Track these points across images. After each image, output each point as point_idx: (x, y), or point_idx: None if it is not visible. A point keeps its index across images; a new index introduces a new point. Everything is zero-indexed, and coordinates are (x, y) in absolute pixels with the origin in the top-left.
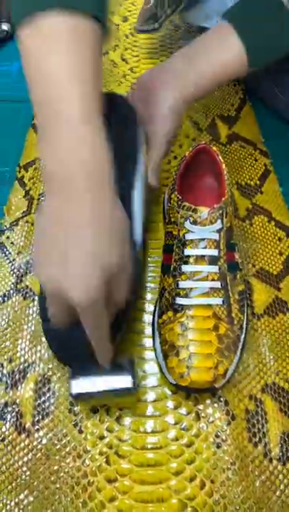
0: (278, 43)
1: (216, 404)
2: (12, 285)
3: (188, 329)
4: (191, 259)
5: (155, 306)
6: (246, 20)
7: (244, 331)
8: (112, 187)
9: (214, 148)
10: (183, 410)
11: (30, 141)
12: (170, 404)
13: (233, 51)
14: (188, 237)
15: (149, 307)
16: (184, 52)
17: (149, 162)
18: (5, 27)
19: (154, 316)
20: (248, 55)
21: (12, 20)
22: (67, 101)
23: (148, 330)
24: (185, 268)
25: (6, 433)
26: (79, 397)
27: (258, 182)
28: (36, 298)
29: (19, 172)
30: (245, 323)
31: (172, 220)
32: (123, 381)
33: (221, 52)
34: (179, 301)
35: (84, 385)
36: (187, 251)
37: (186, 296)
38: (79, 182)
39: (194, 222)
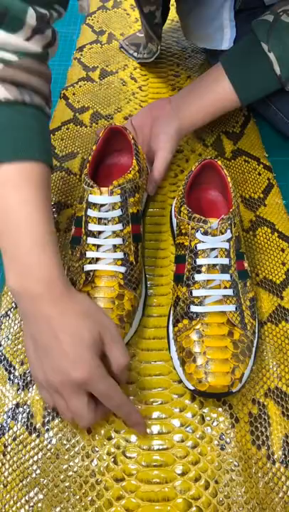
0: (264, 83)
1: (220, 408)
2: None
3: (204, 336)
4: (204, 268)
5: (169, 315)
6: (235, 62)
7: (256, 335)
8: (66, 289)
9: (219, 162)
10: (188, 414)
11: None
12: (176, 407)
13: (223, 90)
14: (200, 247)
15: (152, 313)
16: (181, 93)
17: (152, 174)
18: None
19: (168, 325)
20: (237, 92)
21: None
22: (22, 230)
23: (155, 335)
24: (198, 277)
25: (18, 432)
26: None
27: (261, 195)
28: None
29: None
30: (257, 328)
31: (183, 231)
32: None
33: (212, 91)
34: (194, 309)
35: None
36: (199, 260)
37: (201, 304)
38: (39, 301)
39: (205, 233)
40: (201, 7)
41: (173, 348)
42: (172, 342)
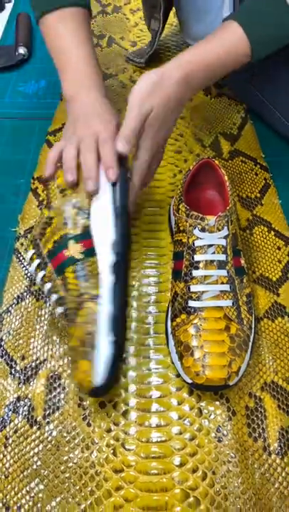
0: (278, 32)
1: (217, 402)
2: (25, 288)
3: (202, 330)
4: (201, 265)
5: (167, 311)
6: (247, 12)
7: (253, 331)
8: (102, 92)
9: (216, 161)
10: (186, 406)
11: (44, 156)
12: (174, 400)
13: (235, 36)
14: (198, 243)
15: (151, 309)
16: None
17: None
18: (22, 51)
19: (166, 320)
20: (250, 40)
21: (34, 18)
22: (69, 52)
23: (152, 330)
24: (196, 273)
25: (19, 425)
26: None
27: (258, 195)
28: (48, 300)
29: (33, 184)
30: (253, 323)
31: (181, 228)
32: None
33: (224, 38)
34: (192, 304)
35: None
36: (197, 257)
37: (198, 299)
38: (81, 94)
39: (203, 230)
40: (200, 9)
41: (171, 342)
42: (170, 337)
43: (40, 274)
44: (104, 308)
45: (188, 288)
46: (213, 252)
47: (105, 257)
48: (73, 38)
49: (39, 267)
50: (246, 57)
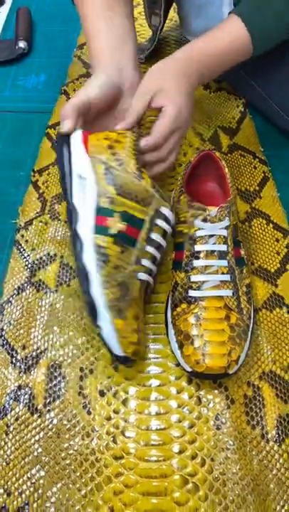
0: (278, 23)
1: (216, 390)
2: (26, 279)
3: (202, 319)
4: (202, 255)
5: (167, 300)
6: (248, 6)
7: (252, 320)
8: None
9: (217, 153)
10: (185, 395)
11: (44, 149)
12: (173, 389)
13: (235, 28)
14: (199, 234)
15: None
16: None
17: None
18: (22, 45)
19: (166, 310)
20: (250, 32)
21: None
22: (92, 41)
23: (153, 320)
24: (196, 263)
25: (20, 413)
26: None
27: (257, 188)
28: (48, 291)
29: (33, 176)
30: (252, 313)
31: (182, 219)
32: None
33: (224, 30)
34: (192, 293)
35: None
36: (198, 247)
37: (199, 288)
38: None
39: (204, 220)
40: (201, 5)
41: (171, 331)
42: (170, 326)
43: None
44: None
45: (189, 278)
46: (214, 243)
47: None
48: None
49: None
50: (248, 50)
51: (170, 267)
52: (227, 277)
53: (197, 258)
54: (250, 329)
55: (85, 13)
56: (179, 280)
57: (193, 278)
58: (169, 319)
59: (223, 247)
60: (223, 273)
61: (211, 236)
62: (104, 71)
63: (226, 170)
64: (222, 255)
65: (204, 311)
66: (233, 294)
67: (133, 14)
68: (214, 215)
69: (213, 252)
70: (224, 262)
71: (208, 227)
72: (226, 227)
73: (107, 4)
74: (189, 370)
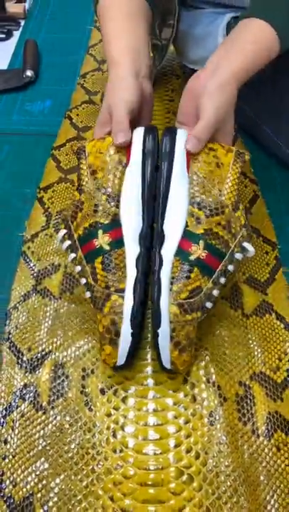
0: None
1: (210, 389)
2: (32, 287)
3: None
4: None
5: None
6: (262, 5)
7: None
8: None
9: None
10: (181, 394)
11: (49, 168)
12: (169, 388)
13: (260, 29)
14: None
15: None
16: (219, 48)
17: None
18: (29, 73)
19: None
20: (276, 30)
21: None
22: (113, 43)
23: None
24: None
25: (25, 410)
26: None
27: (247, 205)
28: (52, 298)
29: (39, 193)
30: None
31: None
32: None
33: (249, 32)
34: None
35: None
36: None
37: None
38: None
39: None
40: (199, 36)
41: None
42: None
43: (71, 255)
44: (128, 302)
45: None
46: None
47: (132, 249)
48: (125, 19)
49: (70, 249)
50: (276, 47)
51: None
52: None
53: None
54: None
55: (111, 16)
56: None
57: None
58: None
59: None
60: None
61: None
62: (130, 73)
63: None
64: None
65: None
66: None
67: (149, 31)
68: None
69: None
70: None
71: None
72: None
73: (129, 16)
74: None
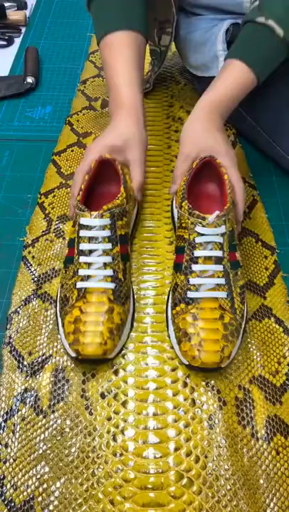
0: (272, 51)
1: (209, 393)
2: (33, 291)
3: (199, 319)
4: (200, 260)
5: (168, 299)
6: (240, 46)
7: (244, 319)
8: (140, 116)
9: (218, 160)
10: (180, 397)
11: (50, 174)
12: (169, 392)
13: (238, 70)
14: (198, 240)
15: (149, 310)
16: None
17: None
18: (30, 80)
19: (167, 308)
20: (252, 68)
21: (97, 40)
22: (116, 79)
23: (150, 329)
24: (195, 267)
25: (26, 414)
26: None
27: (246, 210)
28: (52, 302)
29: (40, 198)
30: (245, 312)
31: (183, 225)
32: None
33: (230, 75)
34: (190, 295)
35: None
36: (196, 252)
37: (196, 290)
38: (121, 114)
39: (203, 228)
40: (197, 42)
41: (171, 327)
42: (170, 322)
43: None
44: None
45: (188, 280)
46: (211, 249)
47: None
48: (123, 62)
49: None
50: (254, 83)
51: (165, 281)
52: (222, 281)
53: (196, 263)
54: (243, 327)
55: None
56: (179, 282)
57: (192, 281)
58: (170, 316)
59: (219, 253)
60: (218, 277)
61: (208, 243)
62: (137, 121)
63: (226, 177)
64: (218, 260)
65: (200, 311)
66: (227, 295)
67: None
68: (211, 222)
69: (210, 257)
70: (220, 267)
71: (206, 235)
72: (222, 235)
73: (134, 62)
74: (186, 363)
